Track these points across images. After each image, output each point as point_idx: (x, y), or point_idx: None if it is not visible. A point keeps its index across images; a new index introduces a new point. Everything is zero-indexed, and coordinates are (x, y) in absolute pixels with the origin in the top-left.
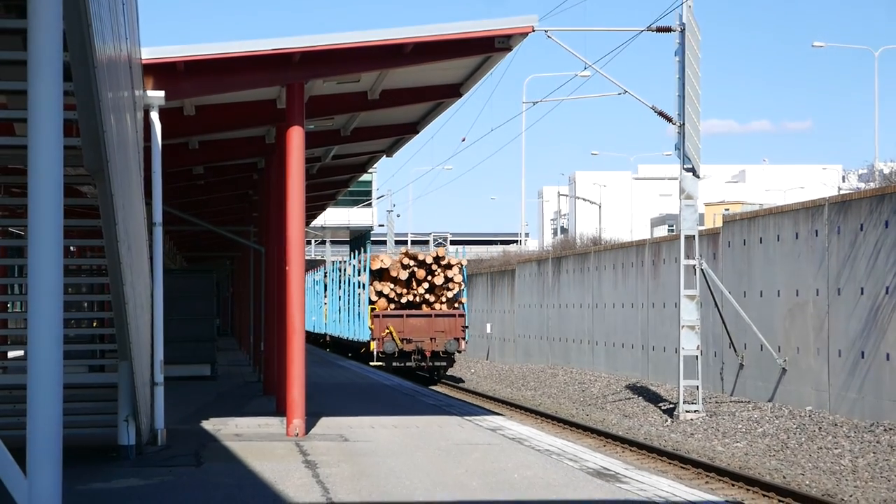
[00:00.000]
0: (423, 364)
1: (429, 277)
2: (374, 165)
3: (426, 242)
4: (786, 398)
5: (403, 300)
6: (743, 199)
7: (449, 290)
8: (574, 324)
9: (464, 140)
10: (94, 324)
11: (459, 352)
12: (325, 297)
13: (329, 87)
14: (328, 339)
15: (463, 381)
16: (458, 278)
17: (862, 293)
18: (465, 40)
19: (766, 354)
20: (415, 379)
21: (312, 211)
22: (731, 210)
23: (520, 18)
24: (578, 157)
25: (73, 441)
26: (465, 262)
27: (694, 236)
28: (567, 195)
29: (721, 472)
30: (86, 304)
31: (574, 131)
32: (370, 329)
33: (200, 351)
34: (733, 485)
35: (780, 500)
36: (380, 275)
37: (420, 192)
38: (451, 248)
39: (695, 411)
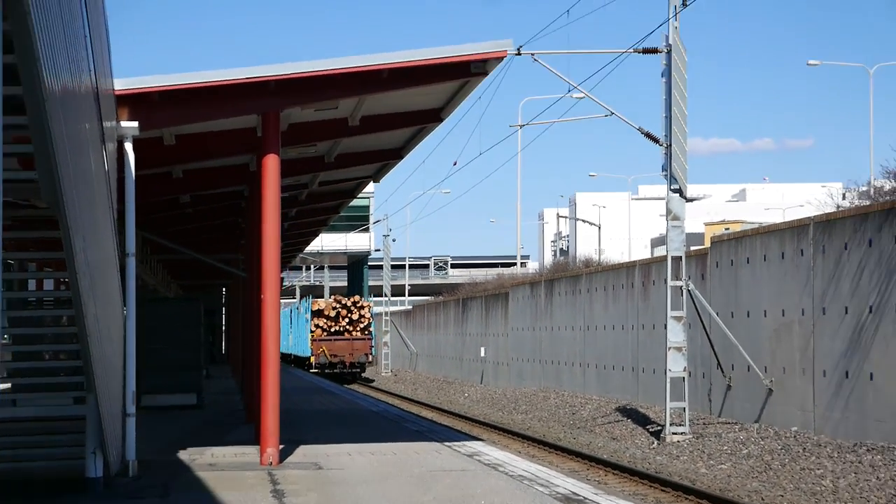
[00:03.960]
0: (344, 371)
1: (349, 315)
2: (371, 189)
3: (426, 266)
4: (772, 419)
5: (332, 329)
6: (743, 219)
7: (362, 323)
8: (566, 346)
9: (455, 164)
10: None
11: (368, 363)
12: (291, 326)
13: (308, 113)
14: (291, 357)
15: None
16: (368, 315)
17: (846, 313)
18: (441, 65)
19: (752, 375)
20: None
21: (305, 237)
22: (731, 229)
23: (495, 43)
24: (578, 178)
25: (43, 473)
26: (372, 305)
27: (681, 257)
28: (567, 217)
29: (700, 495)
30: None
31: (573, 153)
32: (311, 348)
33: (186, 379)
34: None
35: None
36: (318, 313)
37: (417, 215)
38: (452, 272)
39: (682, 433)
